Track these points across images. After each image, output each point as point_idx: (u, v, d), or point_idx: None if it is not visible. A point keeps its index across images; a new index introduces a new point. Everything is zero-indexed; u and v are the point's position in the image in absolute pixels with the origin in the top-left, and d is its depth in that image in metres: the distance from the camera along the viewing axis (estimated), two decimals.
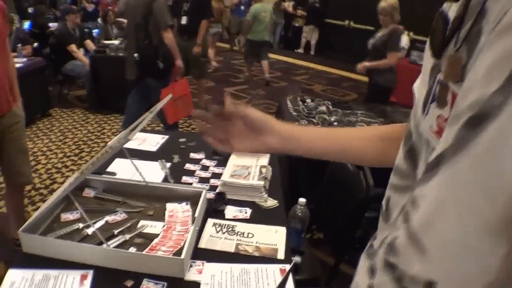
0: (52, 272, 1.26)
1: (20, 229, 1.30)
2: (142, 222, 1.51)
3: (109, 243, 1.35)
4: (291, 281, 1.34)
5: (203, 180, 1.97)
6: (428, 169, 0.66)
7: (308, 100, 3.74)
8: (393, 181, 0.84)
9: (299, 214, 1.86)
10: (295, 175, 2.67)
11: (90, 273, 1.26)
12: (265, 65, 8.00)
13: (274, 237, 1.58)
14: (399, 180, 0.81)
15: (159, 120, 4.49)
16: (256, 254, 1.47)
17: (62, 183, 3.72)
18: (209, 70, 7.55)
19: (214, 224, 1.61)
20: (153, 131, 2.51)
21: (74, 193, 1.42)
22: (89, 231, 1.40)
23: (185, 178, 1.96)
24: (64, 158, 4.28)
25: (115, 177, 1.81)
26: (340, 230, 1.90)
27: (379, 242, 0.86)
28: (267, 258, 1.45)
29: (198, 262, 1.37)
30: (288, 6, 11.50)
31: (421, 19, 7.97)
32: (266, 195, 1.84)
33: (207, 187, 1.85)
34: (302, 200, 1.86)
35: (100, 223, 1.47)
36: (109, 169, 1.95)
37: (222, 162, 2.13)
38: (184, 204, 1.64)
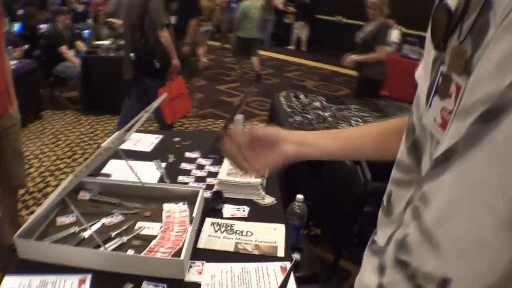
0: (50, 278, 1.23)
1: (16, 234, 1.28)
2: (139, 224, 1.49)
3: (106, 246, 1.33)
4: (293, 279, 1.33)
5: (199, 179, 1.95)
6: (437, 164, 0.64)
7: (302, 96, 3.73)
8: (395, 176, 0.82)
9: (297, 211, 1.85)
10: (292, 172, 2.66)
11: (88, 277, 1.24)
12: (255, 60, 8.02)
13: (273, 234, 1.56)
14: (402, 174, 0.79)
15: (154, 120, 4.46)
16: (256, 252, 1.45)
17: (56, 186, 3.69)
18: (199, 68, 7.53)
19: (212, 224, 1.59)
20: (147, 131, 2.48)
21: (69, 196, 1.40)
22: (86, 234, 1.38)
23: (181, 178, 1.94)
24: (57, 160, 4.24)
25: (110, 178, 1.78)
26: (339, 226, 1.89)
27: (384, 239, 0.85)
28: (267, 256, 1.44)
29: (198, 263, 1.36)
30: (278, 3, 11.47)
31: (412, 13, 8.00)
32: (263, 193, 1.82)
33: (204, 186, 1.83)
34: (300, 196, 1.85)
35: (97, 226, 1.45)
36: (104, 170, 1.92)
37: (218, 161, 2.11)
38: (181, 204, 1.62)
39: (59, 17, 5.84)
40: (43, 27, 6.50)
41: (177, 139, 2.38)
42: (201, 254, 1.41)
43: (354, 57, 4.41)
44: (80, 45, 6.01)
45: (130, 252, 1.33)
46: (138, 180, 1.67)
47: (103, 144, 2.18)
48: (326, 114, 3.27)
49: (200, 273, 1.32)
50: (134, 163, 1.77)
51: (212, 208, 1.70)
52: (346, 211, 1.84)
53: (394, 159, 1.03)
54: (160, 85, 4.02)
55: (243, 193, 1.81)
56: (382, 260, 0.80)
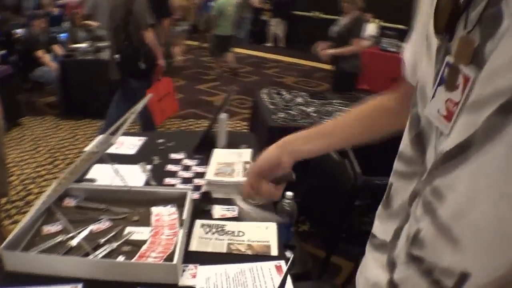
0: None
1: (1, 246, 1.23)
2: (128, 229, 1.46)
3: (96, 253, 1.29)
4: (289, 278, 1.31)
5: (186, 181, 1.92)
6: (450, 158, 0.63)
7: (284, 93, 3.71)
8: (397, 168, 0.81)
9: (287, 208, 1.83)
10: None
11: (79, 287, 1.20)
12: (230, 56, 8.09)
13: (265, 233, 1.54)
14: (405, 166, 0.78)
15: (138, 122, 4.40)
16: (249, 252, 1.43)
17: (38, 193, 3.61)
18: (174, 65, 7.50)
19: (203, 225, 1.56)
20: (129, 134, 2.43)
21: (54, 204, 1.36)
22: (74, 242, 1.33)
23: (167, 180, 1.91)
24: (38, 167, 4.15)
25: (95, 184, 1.74)
26: (331, 222, 1.88)
27: (386, 233, 0.83)
28: (261, 256, 1.41)
29: (191, 266, 1.33)
30: (255, 0, 11.44)
31: (390, 7, 8.07)
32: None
33: (192, 188, 1.80)
34: (289, 194, 1.83)
35: (84, 233, 1.40)
36: (88, 175, 1.87)
37: (204, 161, 2.08)
38: (169, 206, 1.59)
39: (34, 21, 5.72)
40: (19, 31, 6.35)
41: (161, 140, 2.34)
42: (193, 257, 1.38)
43: (329, 51, 4.40)
44: (57, 49, 5.90)
45: (121, 258, 1.29)
46: (124, 184, 1.64)
47: (86, 149, 2.14)
48: (309, 109, 3.26)
49: (194, 276, 1.29)
50: (119, 167, 1.73)
51: (201, 209, 1.67)
52: (337, 207, 1.83)
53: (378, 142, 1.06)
54: (145, 86, 3.97)
55: (232, 192, 1.78)
56: (392, 256, 0.79)
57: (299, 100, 3.51)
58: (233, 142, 2.28)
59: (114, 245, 1.35)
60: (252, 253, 1.42)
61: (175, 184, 1.88)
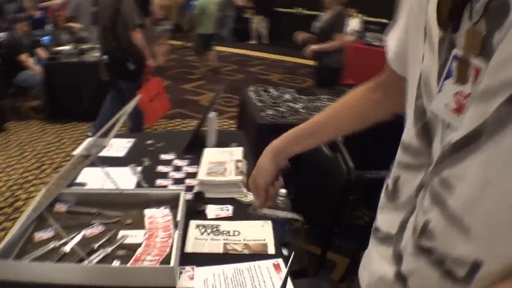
0: None
1: None
2: (121, 233, 1.43)
3: (90, 258, 1.26)
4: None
5: (178, 181, 1.89)
6: (458, 148, 0.63)
7: (272, 90, 3.70)
8: (403, 160, 0.81)
9: (281, 206, 1.82)
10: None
11: None
12: (213, 54, 8.13)
13: (261, 231, 1.53)
14: (412, 158, 0.77)
15: (128, 123, 4.37)
16: (246, 251, 1.41)
17: (26, 199, 3.55)
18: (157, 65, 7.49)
19: (198, 226, 1.54)
20: (118, 135, 2.39)
21: (45, 209, 1.33)
22: (67, 248, 1.30)
23: (159, 181, 1.88)
24: (25, 173, 4.07)
25: (86, 187, 1.71)
26: (325, 218, 1.87)
27: (392, 225, 0.83)
28: (258, 255, 1.40)
29: (188, 268, 1.30)
30: None
31: (372, 1, 8.09)
32: (245, 190, 1.78)
33: (184, 188, 1.78)
34: (282, 191, 1.82)
35: (77, 238, 1.37)
36: (78, 179, 1.84)
37: (195, 161, 2.06)
38: (162, 208, 1.57)
39: (16, 25, 5.63)
40: (1, 35, 6.24)
41: (150, 141, 2.31)
42: (190, 259, 1.35)
43: (313, 47, 4.37)
44: (41, 52, 5.81)
45: (116, 263, 1.27)
46: (115, 187, 1.61)
47: (75, 152, 2.10)
48: (297, 106, 3.25)
49: (192, 278, 1.26)
50: (109, 170, 1.70)
51: (195, 210, 1.65)
52: (331, 202, 1.82)
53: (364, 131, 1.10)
54: (134, 87, 3.95)
55: (225, 191, 1.77)
56: (399, 249, 0.79)
57: (287, 96, 3.49)
58: (223, 141, 2.27)
59: (109, 249, 1.32)
60: (249, 252, 1.41)
61: (167, 185, 1.85)
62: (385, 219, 0.87)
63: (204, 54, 8.13)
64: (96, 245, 1.34)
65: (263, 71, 8.83)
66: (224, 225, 1.55)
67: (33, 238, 1.36)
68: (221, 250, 1.41)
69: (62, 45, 5.83)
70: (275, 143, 1.16)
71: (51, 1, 7.55)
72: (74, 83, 5.16)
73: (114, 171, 1.81)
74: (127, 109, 1.38)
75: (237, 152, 2.05)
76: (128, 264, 1.26)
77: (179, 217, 1.45)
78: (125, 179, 1.85)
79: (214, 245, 1.44)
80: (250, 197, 1.76)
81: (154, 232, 1.44)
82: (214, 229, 1.53)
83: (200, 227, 1.53)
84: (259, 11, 11.33)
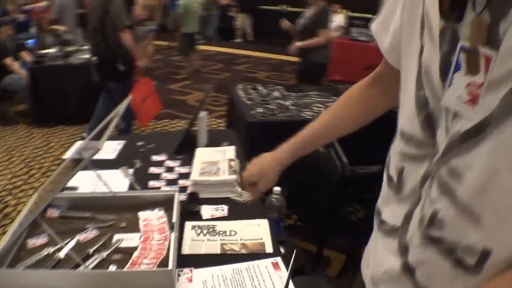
0: None
1: None
2: (116, 236, 1.40)
3: (86, 264, 1.23)
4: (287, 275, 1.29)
5: (171, 182, 1.87)
6: (467, 138, 0.63)
7: (260, 87, 3.68)
8: (407, 151, 0.81)
9: (276, 204, 1.80)
10: None
11: None
12: (196, 54, 8.22)
13: (258, 230, 1.51)
14: (416, 149, 0.77)
15: (121, 125, 4.33)
16: (244, 251, 1.39)
17: (15, 205, 3.50)
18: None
19: (193, 227, 1.52)
20: (108, 138, 2.36)
21: (38, 215, 1.30)
22: (62, 254, 1.27)
23: (152, 183, 1.85)
24: (14, 178, 4.01)
25: (78, 191, 1.68)
26: (321, 214, 1.86)
27: (397, 217, 0.83)
28: (256, 254, 1.38)
29: (186, 270, 1.28)
30: None
31: None
32: (239, 189, 1.76)
33: (177, 189, 1.76)
34: (277, 188, 1.80)
35: (71, 243, 1.34)
36: (69, 183, 1.80)
37: (187, 161, 2.04)
38: (157, 210, 1.54)
39: (0, 29, 5.55)
40: None
41: (140, 143, 2.28)
42: (187, 261, 1.33)
43: (298, 44, 4.36)
44: (26, 55, 5.72)
45: (112, 268, 1.24)
46: (108, 190, 1.58)
47: (65, 156, 2.07)
48: (287, 103, 3.24)
49: (190, 280, 1.25)
50: (100, 173, 1.67)
51: (190, 211, 1.63)
52: (326, 198, 1.81)
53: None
54: (124, 88, 3.93)
55: (219, 191, 1.75)
56: (405, 240, 0.79)
57: (276, 94, 3.48)
58: (214, 140, 2.25)
59: (104, 254, 1.30)
60: (246, 252, 1.39)
61: (160, 187, 1.83)
62: (391, 211, 0.87)
63: (189, 53, 8.12)
64: (91, 250, 1.31)
65: (249, 69, 8.82)
66: (220, 225, 1.53)
67: (26, 245, 1.33)
68: (218, 251, 1.39)
69: (47, 48, 5.77)
70: (282, 154, 1.23)
71: (34, 4, 7.44)
72: (60, 86, 5.12)
73: (105, 174, 1.78)
74: (119, 111, 1.35)
75: (230, 151, 2.04)
76: (125, 269, 1.23)
77: (174, 218, 1.43)
78: (117, 182, 1.82)
79: (211, 246, 1.42)
80: (245, 196, 1.75)
81: (149, 234, 1.42)
82: (210, 230, 1.51)
83: (196, 228, 1.51)
84: (243, 9, 11.32)
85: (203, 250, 1.40)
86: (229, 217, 1.60)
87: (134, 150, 2.20)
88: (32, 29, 7.27)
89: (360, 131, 1.16)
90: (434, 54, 0.70)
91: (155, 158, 2.10)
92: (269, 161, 1.24)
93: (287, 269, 1.30)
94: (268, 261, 1.34)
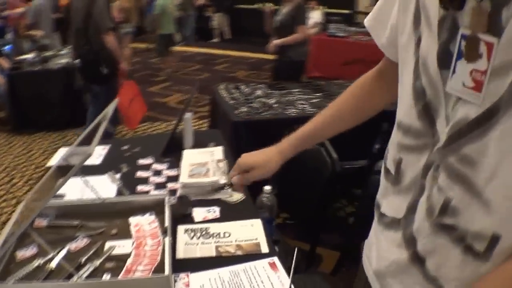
0: None
1: None
2: (108, 244, 1.37)
3: (79, 274, 1.20)
4: (286, 276, 1.27)
5: (160, 186, 1.84)
6: (477, 125, 0.63)
7: (243, 87, 3.66)
8: (404, 142, 0.81)
9: (267, 203, 1.78)
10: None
11: None
12: (171, 55, 8.23)
13: (252, 231, 1.50)
14: (414, 140, 0.78)
15: (112, 129, 4.28)
16: (239, 253, 1.37)
17: None
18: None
19: (186, 231, 1.50)
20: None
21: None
22: (53, 265, 1.23)
23: (140, 187, 1.82)
24: None
25: (65, 199, 1.63)
26: (313, 212, 1.85)
27: (398, 209, 0.82)
28: (252, 255, 1.36)
29: (182, 275, 1.26)
30: None
31: None
32: (230, 190, 1.74)
33: (167, 193, 1.72)
34: (267, 188, 1.78)
35: (62, 253, 1.30)
36: None
37: (174, 163, 2.01)
38: (147, 215, 1.51)
39: None
40: None
41: (125, 147, 2.24)
42: (182, 265, 1.30)
43: (277, 41, 4.32)
44: (3, 62, 5.58)
45: (106, 276, 1.21)
46: (96, 197, 1.54)
47: (50, 163, 2.02)
48: (271, 101, 3.23)
49: (188, 285, 1.22)
50: (87, 179, 1.63)
51: (181, 214, 1.60)
52: (317, 195, 1.80)
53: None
54: (107, 91, 3.89)
55: (210, 192, 1.72)
56: (411, 231, 0.78)
57: (259, 92, 3.46)
58: (200, 141, 2.22)
59: (97, 263, 1.26)
60: (242, 253, 1.37)
61: (149, 191, 1.79)
62: (390, 204, 0.88)
63: (167, 55, 8.07)
64: (83, 259, 1.27)
65: (228, 68, 8.79)
66: (213, 227, 1.51)
67: (15, 257, 1.29)
68: (213, 254, 1.37)
69: (24, 54, 5.65)
70: (284, 147, 1.21)
71: (11, 10, 7.28)
72: (39, 92, 5.03)
73: (92, 180, 1.74)
74: (106, 114, 1.31)
75: (217, 151, 2.02)
76: (120, 276, 1.20)
77: (166, 222, 1.39)
78: (104, 187, 1.77)
79: (206, 249, 1.39)
80: (235, 196, 1.73)
81: (142, 240, 1.38)
82: (204, 233, 1.48)
83: (189, 232, 1.49)
84: (220, 9, 11.28)
85: (198, 254, 1.37)
86: (222, 218, 1.58)
87: (119, 154, 2.16)
88: (8, 35, 7.11)
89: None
90: (432, 43, 0.70)
91: (142, 161, 2.06)
92: (271, 152, 1.22)
93: (285, 269, 1.29)
94: (264, 262, 1.32)
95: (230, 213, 1.61)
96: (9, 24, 7.48)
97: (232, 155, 2.05)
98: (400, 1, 0.81)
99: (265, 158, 1.22)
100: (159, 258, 1.28)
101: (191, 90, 5.60)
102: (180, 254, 1.37)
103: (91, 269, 1.23)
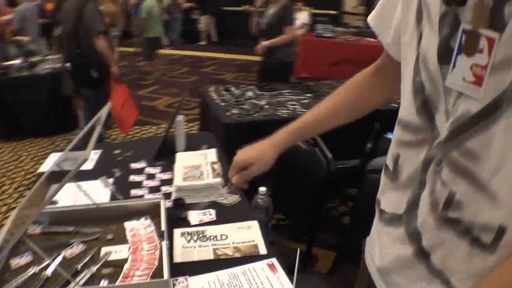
0: None
1: None
2: (104, 249, 1.35)
3: (76, 280, 1.18)
4: (284, 275, 1.26)
5: (153, 190, 1.82)
6: (480, 119, 0.64)
7: (233, 88, 3.65)
8: (403, 138, 0.82)
9: (263, 204, 1.78)
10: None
11: None
12: (158, 58, 8.21)
13: (249, 232, 1.48)
14: (413, 135, 0.78)
15: (105, 133, 4.25)
16: (238, 255, 1.36)
17: None
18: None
19: (183, 234, 1.48)
20: (83, 148, 2.28)
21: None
22: (49, 272, 1.21)
23: (134, 192, 1.80)
24: None
25: (58, 206, 1.61)
26: (308, 212, 1.84)
27: (398, 205, 0.82)
28: (250, 257, 1.35)
29: (181, 279, 1.24)
30: (181, 1, 11.26)
31: None
32: (225, 192, 1.73)
33: (162, 196, 1.71)
34: (262, 189, 1.77)
35: (58, 260, 1.28)
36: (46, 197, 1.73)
37: (167, 167, 1.99)
38: (143, 219, 1.50)
39: None
40: None
41: (117, 151, 2.21)
42: (180, 269, 1.29)
43: (264, 43, 4.27)
44: None
45: (104, 283, 1.19)
46: (90, 202, 1.52)
47: (42, 169, 1.99)
48: (261, 102, 3.22)
49: None
50: (79, 184, 1.61)
51: (177, 217, 1.58)
52: (314, 195, 1.80)
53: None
54: (98, 95, 3.90)
55: (205, 195, 1.71)
56: (414, 226, 0.78)
57: (249, 94, 3.46)
58: (192, 144, 2.20)
59: (93, 269, 1.24)
60: (240, 256, 1.36)
61: (143, 195, 1.77)
62: (389, 200, 0.88)
63: (154, 58, 8.05)
64: (79, 266, 1.25)
65: (216, 71, 8.78)
66: (210, 230, 1.50)
67: (9, 265, 1.26)
68: (211, 256, 1.36)
69: (11, 60, 5.58)
70: (279, 139, 1.19)
71: None
72: (27, 97, 4.97)
73: (84, 185, 1.72)
74: (99, 118, 1.30)
75: (211, 154, 2.00)
76: (118, 282, 1.18)
77: (163, 226, 1.38)
78: (97, 192, 1.75)
79: (203, 252, 1.38)
80: (231, 198, 1.72)
81: (138, 245, 1.37)
82: (201, 235, 1.47)
83: (186, 235, 1.47)
84: (206, 11, 11.26)
85: (195, 257, 1.36)
86: (218, 221, 1.57)
87: (111, 159, 2.14)
88: None
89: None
90: (432, 39, 0.71)
91: (134, 165, 2.04)
92: (265, 146, 1.20)
93: (284, 270, 1.28)
94: (263, 263, 1.31)
95: (226, 215, 1.60)
96: None
97: (224, 157, 2.03)
98: (403, 0, 0.82)
99: (260, 153, 1.20)
100: (156, 262, 1.26)
101: (183, 93, 5.57)
102: (177, 258, 1.35)
103: (88, 275, 1.21)
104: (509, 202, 0.64)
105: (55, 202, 1.66)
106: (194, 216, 1.59)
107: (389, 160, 0.88)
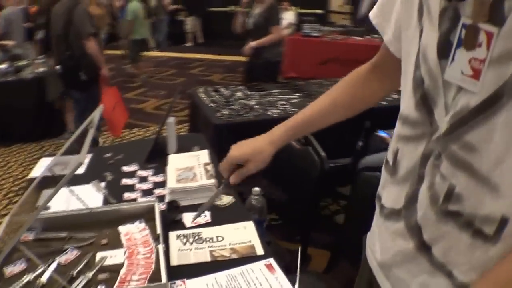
0: None
1: None
2: (99, 255, 1.33)
3: (72, 287, 1.16)
4: (283, 276, 1.26)
5: (146, 193, 1.80)
6: (479, 112, 0.64)
7: (222, 89, 3.64)
8: (402, 132, 0.82)
9: (257, 205, 1.77)
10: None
11: None
12: (144, 61, 8.25)
13: (245, 233, 1.48)
14: (412, 129, 0.78)
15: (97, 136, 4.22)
16: (235, 256, 1.35)
17: None
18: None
19: (178, 236, 1.47)
20: (73, 152, 2.25)
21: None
22: (44, 279, 1.19)
23: (127, 195, 1.78)
24: None
25: (50, 211, 1.58)
26: (302, 212, 1.84)
27: (397, 199, 0.82)
28: (248, 258, 1.34)
29: (179, 282, 1.23)
30: (166, 3, 11.21)
31: None
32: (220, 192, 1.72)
33: (156, 199, 1.69)
34: (256, 189, 1.77)
35: (53, 267, 1.26)
36: (38, 203, 1.70)
37: (159, 169, 1.98)
38: (137, 223, 1.47)
39: None
40: None
41: (108, 154, 2.19)
42: (177, 272, 1.28)
43: (252, 43, 4.24)
44: None
45: None
46: (83, 207, 1.50)
47: (33, 175, 1.96)
48: (251, 102, 3.21)
49: None
50: (71, 189, 1.59)
51: (172, 220, 1.57)
52: (308, 194, 1.79)
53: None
54: (87, 98, 3.88)
55: (199, 197, 1.70)
56: (415, 220, 0.78)
57: (239, 94, 3.45)
58: (184, 146, 2.19)
59: (89, 275, 1.22)
60: (238, 257, 1.35)
61: (136, 198, 1.76)
62: (388, 194, 0.89)
63: (139, 60, 8.02)
64: (75, 272, 1.23)
65: (203, 72, 8.76)
66: (206, 232, 1.49)
67: (3, 274, 1.24)
68: (208, 259, 1.35)
69: None
70: (276, 135, 1.16)
71: None
72: (13, 102, 4.91)
73: (76, 189, 1.70)
74: (91, 121, 1.28)
75: (203, 155, 1.99)
76: (115, 287, 1.17)
77: (158, 229, 1.36)
78: (90, 197, 1.73)
79: (200, 254, 1.37)
80: (225, 199, 1.71)
81: (134, 249, 1.35)
82: (196, 238, 1.46)
83: (181, 237, 1.46)
84: (192, 12, 11.24)
85: (192, 260, 1.35)
86: (213, 222, 1.56)
87: (102, 162, 2.11)
88: None
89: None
90: (432, 34, 0.71)
91: (126, 169, 2.02)
92: (262, 142, 1.16)
93: (282, 270, 1.28)
94: (261, 264, 1.31)
95: (221, 216, 1.59)
96: None
97: (215, 158, 2.02)
98: None
99: (257, 149, 1.15)
100: (153, 266, 1.25)
101: (174, 95, 5.54)
102: (174, 261, 1.34)
103: (84, 281, 1.20)
104: (511, 193, 0.64)
105: (47, 208, 1.64)
106: (189, 218, 1.57)
107: (389, 155, 0.89)
